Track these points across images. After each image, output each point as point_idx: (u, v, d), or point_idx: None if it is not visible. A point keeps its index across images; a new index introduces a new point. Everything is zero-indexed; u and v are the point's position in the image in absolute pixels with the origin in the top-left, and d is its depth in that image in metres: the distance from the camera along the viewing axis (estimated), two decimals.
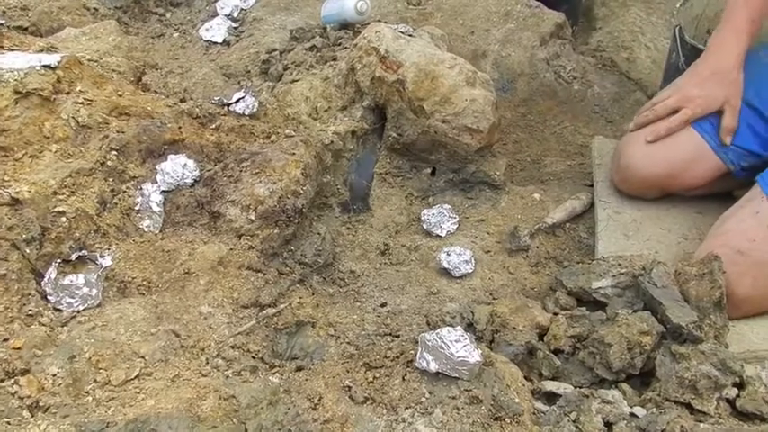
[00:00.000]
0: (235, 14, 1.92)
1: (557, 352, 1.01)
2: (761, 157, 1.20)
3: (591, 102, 1.76)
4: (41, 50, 1.30)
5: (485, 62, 1.71)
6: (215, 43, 1.84)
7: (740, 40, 1.15)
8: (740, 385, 0.90)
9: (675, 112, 1.20)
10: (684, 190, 1.26)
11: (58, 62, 1.19)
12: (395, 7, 1.87)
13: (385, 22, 1.49)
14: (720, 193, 1.27)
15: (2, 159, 1.06)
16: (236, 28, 1.89)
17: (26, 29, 1.73)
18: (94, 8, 1.87)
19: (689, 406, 0.88)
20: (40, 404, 0.81)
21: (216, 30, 1.87)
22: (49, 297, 0.97)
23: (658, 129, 1.20)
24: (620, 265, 1.07)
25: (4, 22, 1.58)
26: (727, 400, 0.89)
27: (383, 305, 1.15)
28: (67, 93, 1.18)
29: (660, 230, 1.24)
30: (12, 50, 1.28)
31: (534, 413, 0.89)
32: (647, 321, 0.95)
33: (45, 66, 1.17)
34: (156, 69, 1.70)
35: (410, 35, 1.42)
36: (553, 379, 0.97)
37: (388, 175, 1.38)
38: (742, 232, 1.05)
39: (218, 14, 1.92)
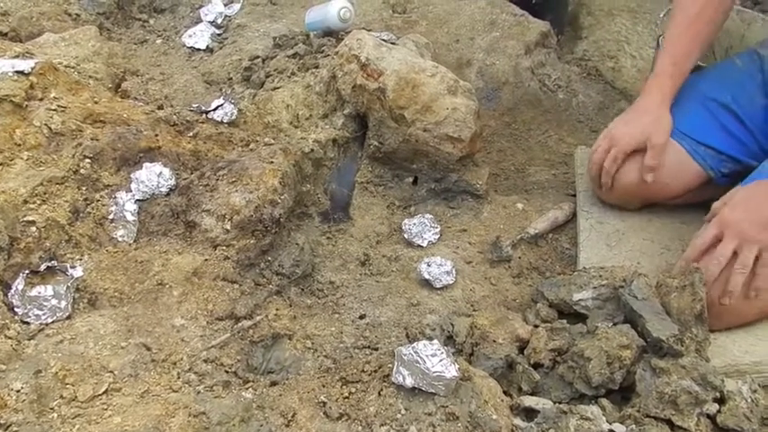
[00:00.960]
0: (219, 21, 1.91)
1: (536, 366, 0.99)
2: (740, 162, 1.19)
3: (576, 111, 1.75)
4: (17, 56, 1.28)
5: (469, 71, 1.70)
6: (198, 50, 1.82)
7: (663, 83, 1.18)
8: (721, 400, 0.89)
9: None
10: (667, 199, 1.25)
11: (32, 68, 1.17)
12: (380, 15, 1.86)
13: (368, 30, 1.48)
14: (704, 203, 1.26)
15: None
16: (219, 35, 1.88)
17: (5, 34, 1.71)
18: (76, 14, 1.85)
19: (669, 422, 0.87)
20: (1, 422, 0.79)
21: (199, 36, 1.85)
22: (16, 309, 0.94)
23: (604, 182, 1.23)
24: (600, 276, 1.06)
25: None
26: (708, 416, 0.88)
27: (362, 317, 1.13)
28: (41, 99, 1.16)
29: (643, 241, 1.23)
30: None
31: (513, 430, 0.87)
32: (627, 335, 0.93)
33: (18, 71, 1.15)
34: (137, 76, 1.68)
35: (393, 43, 1.41)
36: (532, 394, 0.95)
37: (369, 184, 1.36)
38: None
39: (201, 21, 1.91)
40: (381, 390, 0.93)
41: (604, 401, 0.92)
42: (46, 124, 1.12)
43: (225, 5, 1.96)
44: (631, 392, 0.93)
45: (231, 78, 1.63)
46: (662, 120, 1.17)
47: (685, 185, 1.22)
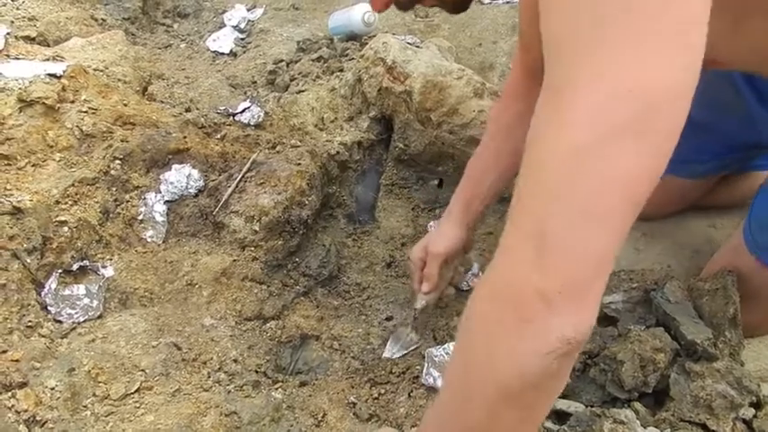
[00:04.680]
0: (242, 26, 1.92)
1: None
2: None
3: None
4: (47, 59, 1.30)
5: (492, 74, 1.70)
6: (222, 54, 1.83)
7: (456, 197, 1.06)
8: (757, 405, 0.87)
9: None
10: (686, 207, 1.25)
11: (64, 71, 1.19)
12: (402, 19, 1.86)
13: (392, 34, 1.48)
14: (735, 205, 1.25)
15: (5, 168, 1.05)
16: (243, 39, 1.90)
17: (33, 39, 1.73)
18: (102, 19, 1.88)
19: (704, 427, 0.85)
20: (38, 419, 0.80)
21: (223, 40, 1.87)
22: (49, 308, 0.95)
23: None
24: (631, 279, 1.05)
25: (11, 31, 1.58)
26: (744, 421, 0.86)
27: (389, 319, 1.13)
28: (72, 101, 1.17)
29: (672, 244, 1.21)
30: (18, 59, 1.27)
31: None
32: (661, 338, 0.92)
33: (50, 74, 1.17)
34: (163, 79, 1.70)
35: (417, 46, 1.41)
36: (563, 397, 0.94)
37: (394, 186, 1.36)
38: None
39: (225, 25, 1.93)
40: (411, 391, 0.92)
41: (638, 405, 0.90)
42: (77, 126, 1.14)
43: (248, 10, 1.98)
44: (664, 396, 0.92)
45: (255, 82, 1.64)
46: (446, 229, 1.04)
47: (688, 196, 1.22)
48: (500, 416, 0.57)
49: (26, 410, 0.79)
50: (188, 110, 1.36)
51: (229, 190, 1.12)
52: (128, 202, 1.12)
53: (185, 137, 1.20)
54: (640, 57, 0.48)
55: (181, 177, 1.15)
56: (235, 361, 0.96)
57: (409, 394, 0.92)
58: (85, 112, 1.17)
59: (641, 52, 0.48)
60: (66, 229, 1.02)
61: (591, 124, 0.50)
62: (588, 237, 0.51)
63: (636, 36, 0.48)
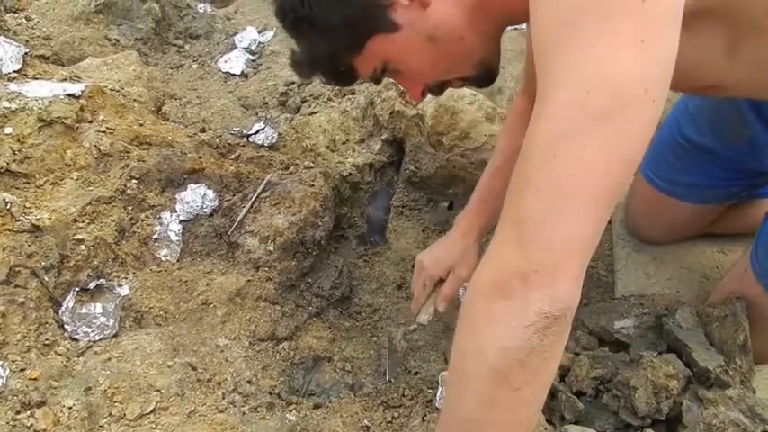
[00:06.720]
0: (253, 47, 1.95)
1: (579, 394, 0.98)
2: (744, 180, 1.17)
3: None
4: (65, 79, 1.32)
5: (501, 98, 1.72)
6: (233, 75, 1.86)
7: (471, 218, 1.11)
8: None
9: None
10: (702, 231, 1.26)
11: (82, 91, 1.21)
12: None
13: None
14: (744, 232, 1.26)
15: (24, 186, 1.06)
16: (254, 60, 1.92)
17: (48, 58, 1.76)
18: (115, 39, 1.90)
19: None
20: None
21: (234, 62, 1.89)
22: (65, 326, 0.96)
23: (413, 309, 1.12)
24: (642, 304, 1.06)
25: (28, 51, 1.60)
26: None
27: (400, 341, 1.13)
28: (90, 121, 1.19)
29: (681, 269, 1.22)
30: (36, 79, 1.29)
31: None
32: (674, 364, 0.93)
33: (69, 94, 1.18)
34: (175, 99, 1.72)
35: None
36: (576, 422, 0.95)
37: (405, 208, 1.38)
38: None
39: (236, 47, 1.95)
40: (425, 415, 0.93)
41: (650, 431, 0.91)
42: (95, 145, 1.15)
43: (259, 32, 2.01)
44: (676, 423, 0.92)
45: (267, 103, 1.66)
46: (468, 253, 1.09)
47: (704, 222, 1.23)
48: (492, 399, 0.60)
49: (45, 430, 0.79)
50: (203, 130, 1.38)
51: (244, 210, 1.14)
52: (143, 221, 1.13)
53: (200, 157, 1.22)
54: (612, 54, 0.54)
55: (196, 197, 1.16)
56: (249, 382, 0.96)
57: (423, 418, 0.92)
58: (103, 131, 1.18)
59: (612, 50, 0.54)
60: (83, 247, 1.03)
61: (565, 116, 0.55)
62: (562, 221, 0.56)
63: (608, 36, 0.54)
